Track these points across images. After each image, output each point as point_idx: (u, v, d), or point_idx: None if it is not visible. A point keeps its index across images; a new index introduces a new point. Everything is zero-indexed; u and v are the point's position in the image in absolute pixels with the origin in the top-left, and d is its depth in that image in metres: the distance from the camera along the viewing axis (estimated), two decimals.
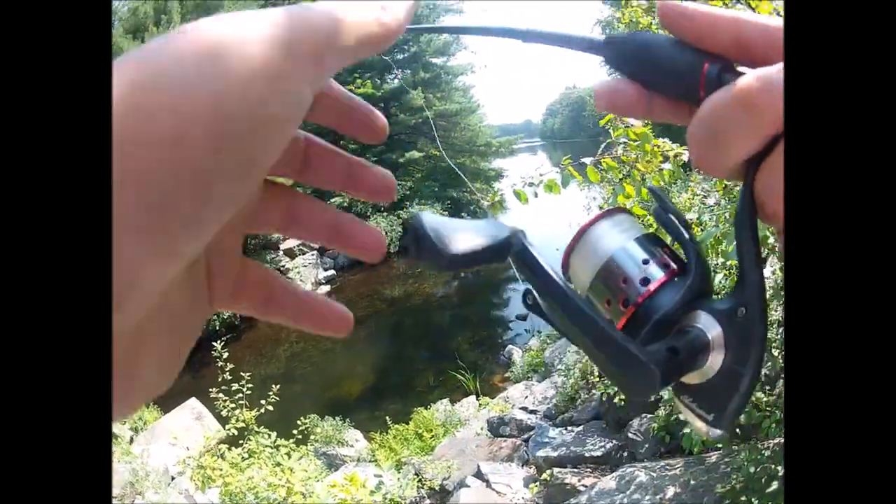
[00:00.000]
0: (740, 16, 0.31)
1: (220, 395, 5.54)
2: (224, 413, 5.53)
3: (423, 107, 22.55)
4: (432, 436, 8.57)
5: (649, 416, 5.32)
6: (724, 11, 0.32)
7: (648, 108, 0.35)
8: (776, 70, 0.28)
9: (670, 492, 3.97)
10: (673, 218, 0.36)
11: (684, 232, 0.36)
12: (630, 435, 5.50)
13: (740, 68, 0.31)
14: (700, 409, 0.32)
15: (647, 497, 4.03)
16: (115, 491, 6.79)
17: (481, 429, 7.97)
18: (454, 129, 24.35)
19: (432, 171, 23.39)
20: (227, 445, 5.23)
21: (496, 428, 7.54)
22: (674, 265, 0.36)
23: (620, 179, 2.86)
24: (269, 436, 5.40)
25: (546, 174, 2.86)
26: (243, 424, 5.40)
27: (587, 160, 2.79)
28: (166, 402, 10.82)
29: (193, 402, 9.88)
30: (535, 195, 2.84)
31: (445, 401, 9.93)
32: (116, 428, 9.58)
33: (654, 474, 4.31)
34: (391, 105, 23.43)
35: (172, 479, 7.58)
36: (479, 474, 6.20)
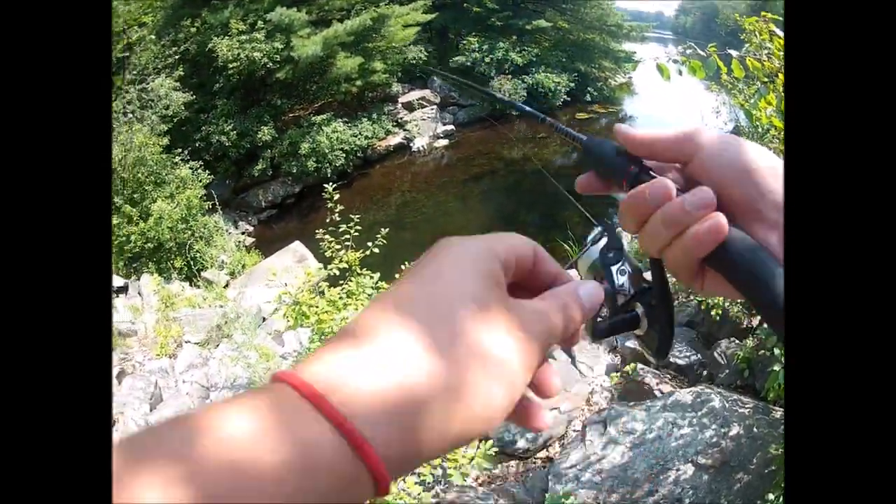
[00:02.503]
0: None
1: (327, 236, 5.07)
2: (328, 254, 5.07)
3: None
4: None
5: (737, 342, 4.96)
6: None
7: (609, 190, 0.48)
8: (642, 186, 0.42)
9: (734, 430, 3.73)
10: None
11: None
12: (715, 355, 5.00)
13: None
14: (645, 348, 0.49)
15: (715, 425, 3.79)
16: (200, 336, 6.48)
17: None
18: (584, 5, 22.10)
19: (560, 42, 21.29)
20: (326, 284, 4.80)
21: None
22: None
23: (764, 82, 2.66)
24: (372, 277, 4.95)
25: (692, 56, 2.65)
26: (346, 265, 4.94)
27: (734, 52, 2.61)
28: (269, 247, 10.63)
29: (297, 245, 9.38)
30: (680, 73, 2.64)
31: None
32: (211, 274, 9.10)
33: (727, 405, 3.93)
34: None
35: (264, 319, 7.14)
36: (566, 349, 5.66)
